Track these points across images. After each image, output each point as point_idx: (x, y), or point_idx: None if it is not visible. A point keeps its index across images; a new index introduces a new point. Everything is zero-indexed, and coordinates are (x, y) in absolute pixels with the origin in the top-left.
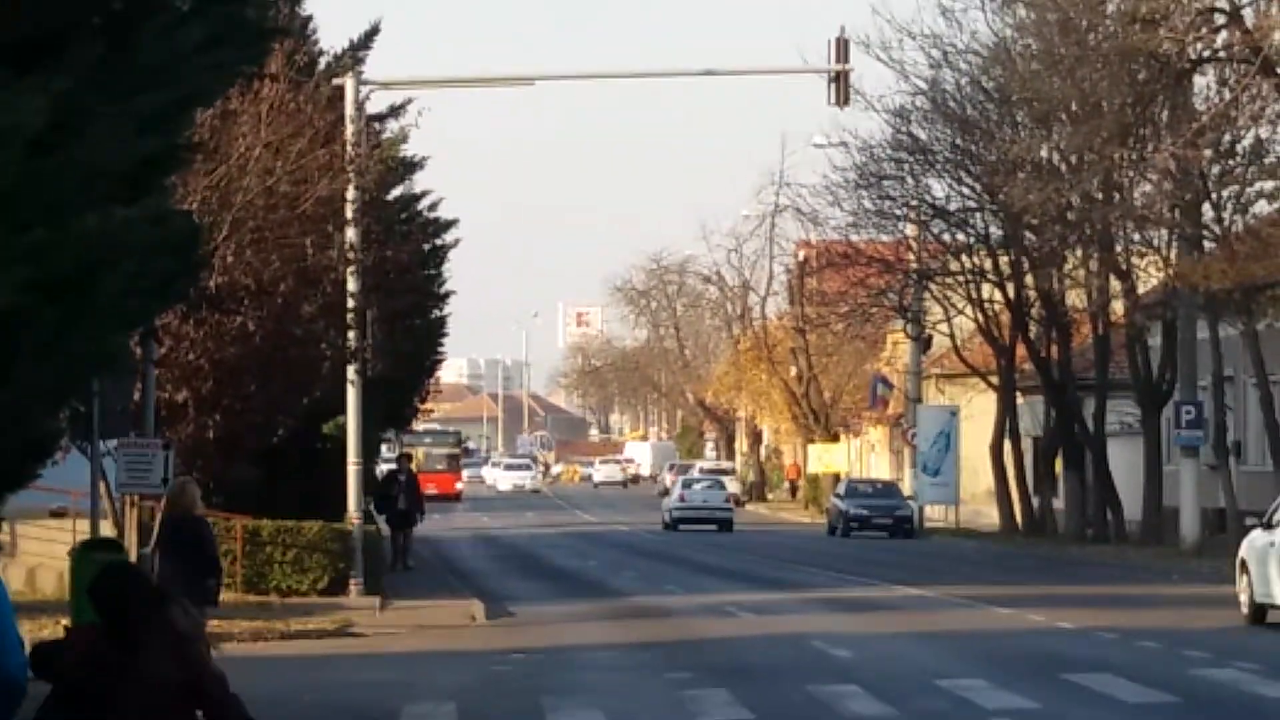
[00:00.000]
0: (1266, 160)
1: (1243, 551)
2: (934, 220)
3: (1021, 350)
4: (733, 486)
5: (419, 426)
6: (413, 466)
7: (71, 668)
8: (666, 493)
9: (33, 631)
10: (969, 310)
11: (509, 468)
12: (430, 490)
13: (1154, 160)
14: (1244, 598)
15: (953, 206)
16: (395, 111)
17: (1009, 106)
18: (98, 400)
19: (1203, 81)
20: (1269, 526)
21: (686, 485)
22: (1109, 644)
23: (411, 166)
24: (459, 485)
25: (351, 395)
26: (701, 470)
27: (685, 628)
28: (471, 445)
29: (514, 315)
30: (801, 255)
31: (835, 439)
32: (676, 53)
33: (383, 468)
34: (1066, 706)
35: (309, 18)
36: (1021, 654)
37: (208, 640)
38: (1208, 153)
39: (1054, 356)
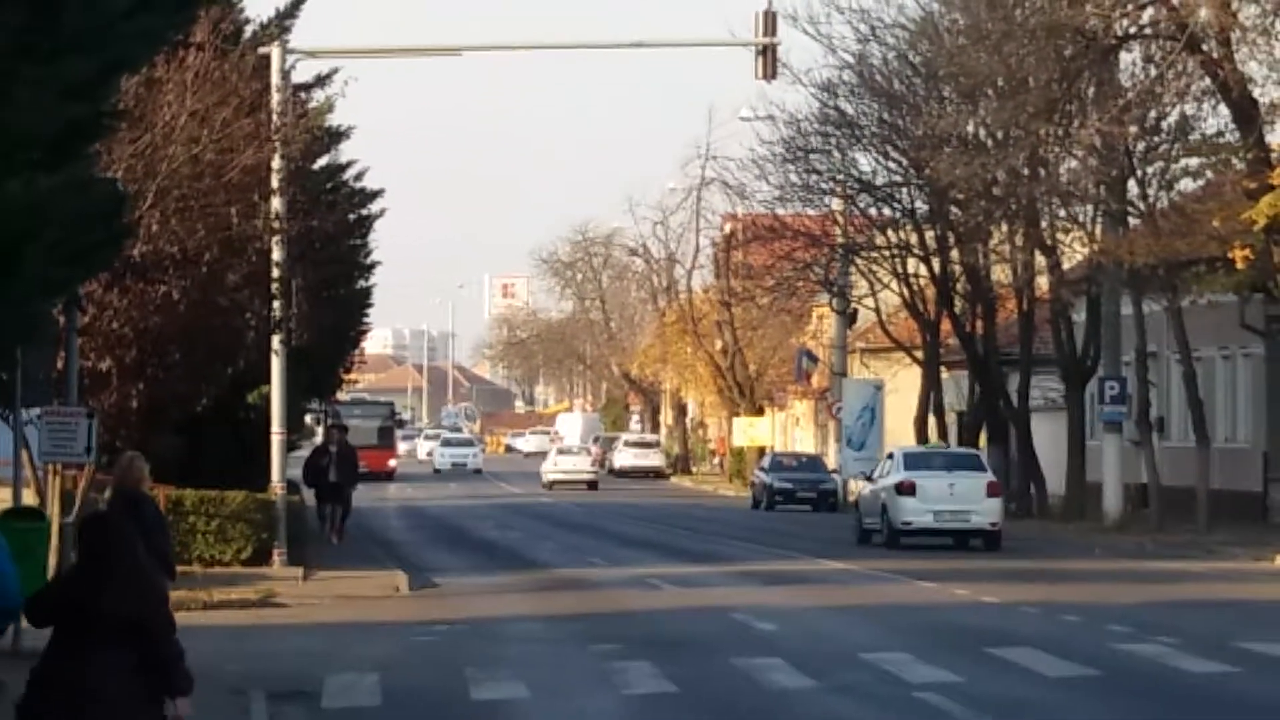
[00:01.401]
0: (1191, 137)
1: (853, 498)
2: (860, 194)
3: (946, 325)
4: (657, 459)
5: (347, 396)
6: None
7: (52, 600)
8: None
9: None
10: (894, 285)
11: (449, 444)
12: (362, 468)
13: (1079, 136)
14: (856, 527)
15: (879, 181)
16: (321, 81)
17: (936, 81)
18: (20, 368)
19: (1129, 58)
20: (870, 480)
21: (560, 452)
22: (1032, 618)
23: (337, 136)
24: (393, 463)
25: (276, 365)
26: (625, 443)
27: (609, 600)
28: (404, 417)
29: (439, 286)
30: (727, 228)
31: (760, 412)
32: (604, 25)
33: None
34: (989, 680)
35: None
36: (945, 628)
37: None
38: (1133, 129)
39: (978, 331)
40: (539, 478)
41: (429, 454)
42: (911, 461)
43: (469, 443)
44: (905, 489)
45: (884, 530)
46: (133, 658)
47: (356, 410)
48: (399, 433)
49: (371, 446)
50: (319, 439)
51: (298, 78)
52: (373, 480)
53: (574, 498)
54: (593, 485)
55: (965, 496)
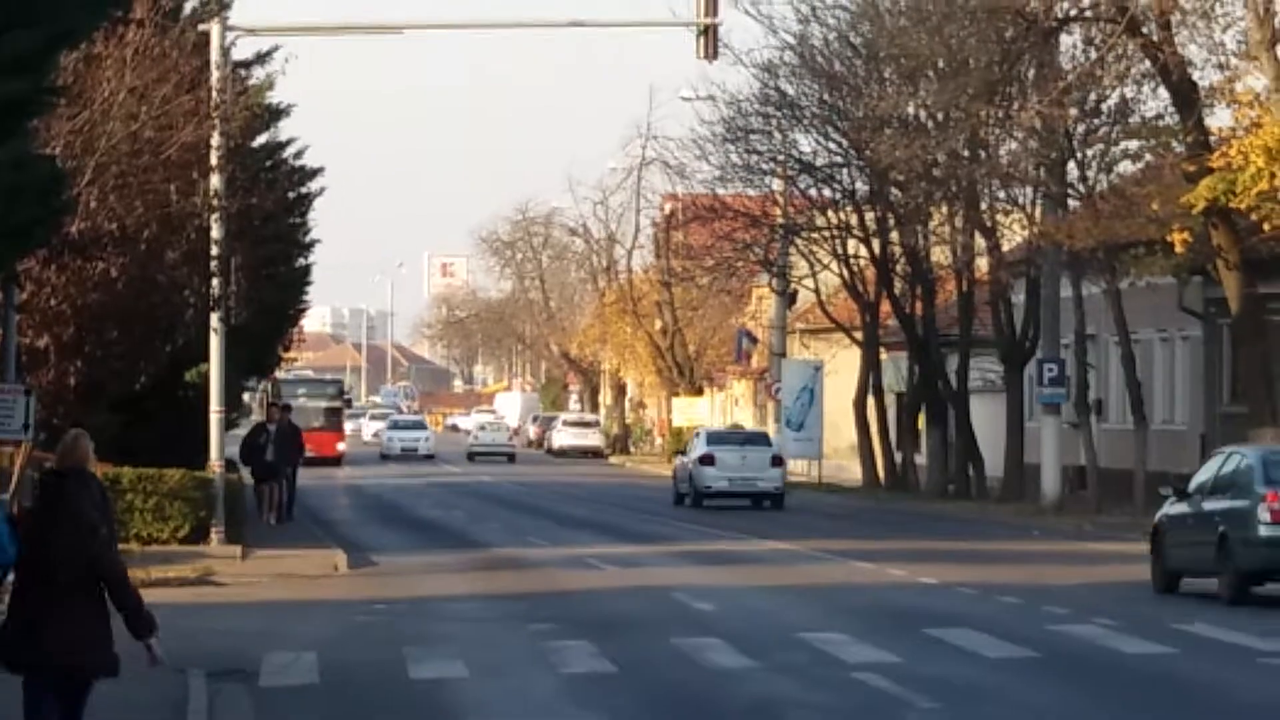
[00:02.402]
0: (1131, 120)
1: (670, 469)
2: (800, 175)
3: (886, 306)
4: (596, 439)
5: (290, 374)
6: (291, 417)
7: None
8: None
9: None
10: (834, 265)
11: (398, 426)
12: (307, 451)
13: (1020, 118)
14: (673, 491)
15: (819, 162)
16: (262, 58)
17: (876, 62)
18: None
19: (1069, 40)
20: (684, 454)
21: (481, 428)
22: (970, 599)
23: (277, 114)
24: (341, 446)
25: (214, 343)
26: (564, 423)
27: (548, 580)
28: (351, 396)
29: (379, 265)
30: (668, 208)
31: (699, 392)
32: (545, 3)
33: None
34: (927, 660)
35: None
36: (883, 608)
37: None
38: (1073, 111)
39: (918, 313)
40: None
41: (375, 435)
42: (713, 439)
43: (420, 425)
44: (707, 460)
45: (691, 493)
46: (96, 605)
47: (301, 389)
48: (348, 414)
49: (317, 428)
50: (254, 417)
51: (237, 55)
52: (318, 465)
53: (511, 477)
54: (511, 458)
55: (754, 466)
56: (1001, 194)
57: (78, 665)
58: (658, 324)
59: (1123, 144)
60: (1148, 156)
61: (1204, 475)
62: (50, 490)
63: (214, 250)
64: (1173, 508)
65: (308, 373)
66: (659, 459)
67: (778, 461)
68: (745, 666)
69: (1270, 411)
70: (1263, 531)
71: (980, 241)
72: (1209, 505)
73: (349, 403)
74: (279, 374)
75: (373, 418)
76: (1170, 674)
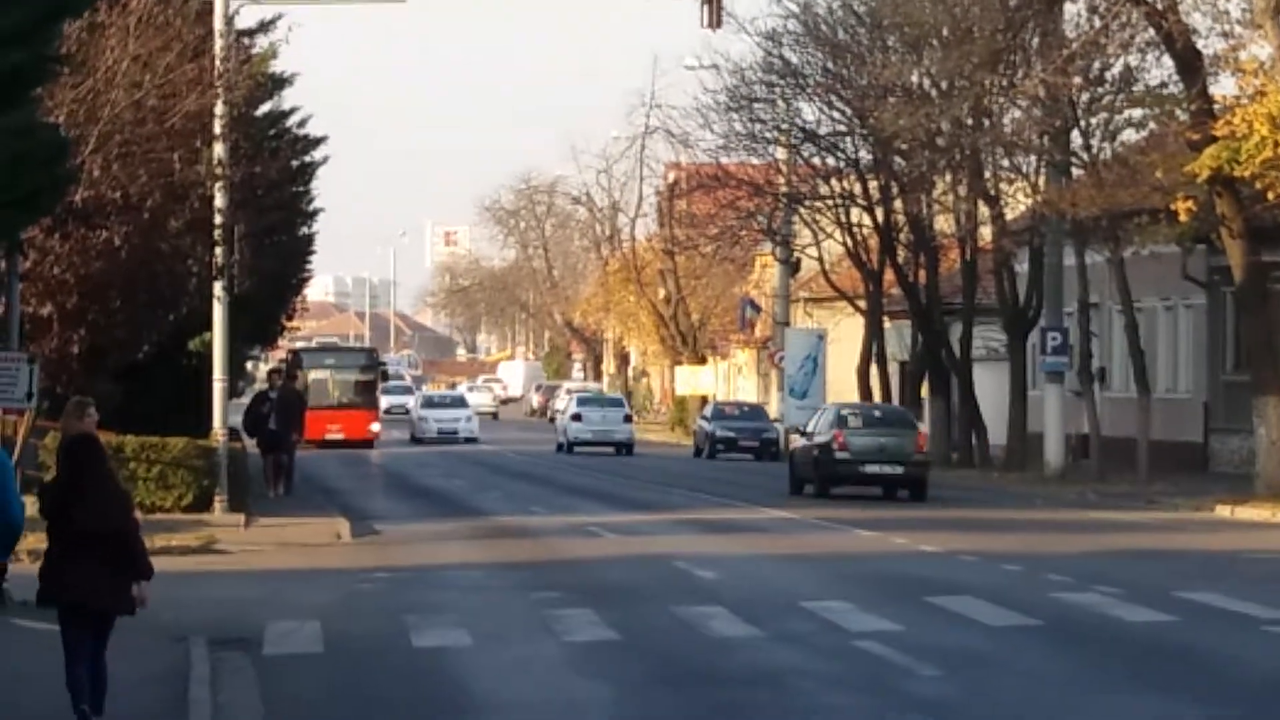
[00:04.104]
0: (1135, 88)
1: (550, 420)
2: (804, 144)
3: (889, 275)
4: None
5: (315, 342)
6: (297, 384)
7: (49, 502)
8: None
9: None
10: (838, 234)
11: (432, 404)
12: (335, 433)
13: (1024, 87)
14: (556, 442)
15: (823, 130)
16: (265, 27)
17: (880, 31)
18: None
19: (1073, 9)
20: (561, 413)
21: (469, 389)
22: (972, 567)
23: (281, 83)
24: (375, 426)
25: (218, 312)
26: (566, 392)
27: (550, 548)
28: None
29: (382, 233)
30: (671, 177)
31: (703, 361)
32: None
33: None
34: (930, 629)
35: None
36: (885, 577)
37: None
38: (1077, 80)
39: (921, 281)
40: (483, 425)
41: (389, 410)
42: (581, 401)
43: (460, 403)
44: (576, 418)
45: (565, 443)
46: (112, 556)
47: (328, 359)
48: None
49: (347, 405)
50: (258, 385)
51: (241, 23)
52: (346, 448)
53: (515, 447)
54: (495, 415)
55: (611, 422)
56: (1005, 162)
57: (104, 606)
58: (661, 293)
59: (1126, 112)
60: (1151, 125)
61: (814, 421)
62: (77, 455)
63: (217, 219)
64: (798, 441)
65: (334, 340)
66: (661, 428)
67: (628, 419)
68: (748, 635)
69: (1274, 379)
70: (836, 454)
71: (984, 210)
72: (815, 439)
73: (385, 375)
74: (300, 342)
75: (386, 391)
76: (1173, 642)
